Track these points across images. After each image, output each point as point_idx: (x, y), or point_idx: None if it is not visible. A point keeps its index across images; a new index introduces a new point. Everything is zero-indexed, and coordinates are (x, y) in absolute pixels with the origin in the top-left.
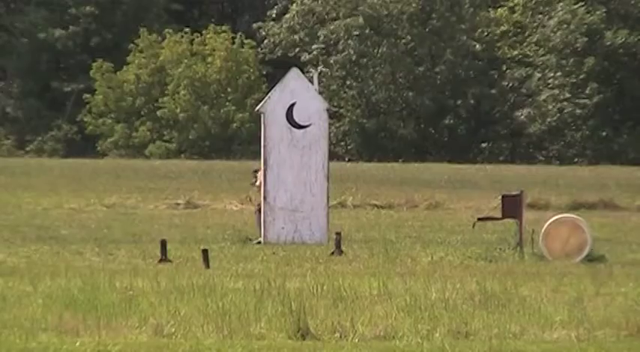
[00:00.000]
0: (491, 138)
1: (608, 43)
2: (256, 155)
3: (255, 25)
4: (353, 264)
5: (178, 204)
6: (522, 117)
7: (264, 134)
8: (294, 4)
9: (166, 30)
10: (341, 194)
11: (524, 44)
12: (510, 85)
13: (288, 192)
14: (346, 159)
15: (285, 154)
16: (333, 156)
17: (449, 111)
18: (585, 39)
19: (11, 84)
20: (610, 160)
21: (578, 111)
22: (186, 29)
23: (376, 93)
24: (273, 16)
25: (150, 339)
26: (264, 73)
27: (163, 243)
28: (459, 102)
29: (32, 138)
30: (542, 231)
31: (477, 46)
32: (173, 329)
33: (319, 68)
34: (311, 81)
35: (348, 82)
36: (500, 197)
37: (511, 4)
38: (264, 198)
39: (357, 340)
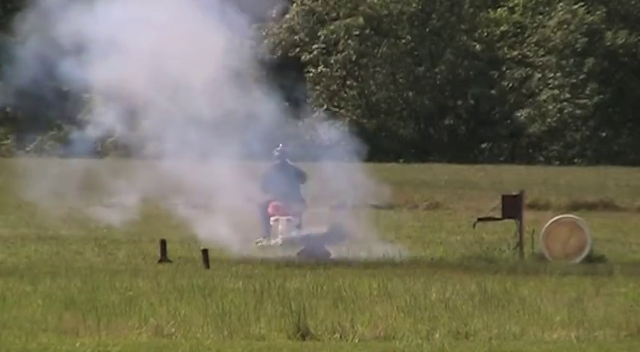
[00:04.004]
0: (491, 138)
1: (608, 44)
2: None
3: (255, 25)
4: (353, 264)
5: (179, 204)
6: (522, 117)
7: None
8: (294, 4)
9: None
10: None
11: (524, 44)
12: (510, 85)
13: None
14: (346, 160)
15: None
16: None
17: (449, 111)
18: (585, 39)
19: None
20: (610, 161)
21: (578, 111)
22: None
23: (376, 93)
24: (273, 15)
25: (150, 339)
26: (264, 73)
27: (163, 243)
28: (459, 102)
29: (32, 138)
30: (543, 231)
31: (477, 46)
32: (173, 330)
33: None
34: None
35: (348, 82)
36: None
37: (511, 5)
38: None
39: (357, 340)
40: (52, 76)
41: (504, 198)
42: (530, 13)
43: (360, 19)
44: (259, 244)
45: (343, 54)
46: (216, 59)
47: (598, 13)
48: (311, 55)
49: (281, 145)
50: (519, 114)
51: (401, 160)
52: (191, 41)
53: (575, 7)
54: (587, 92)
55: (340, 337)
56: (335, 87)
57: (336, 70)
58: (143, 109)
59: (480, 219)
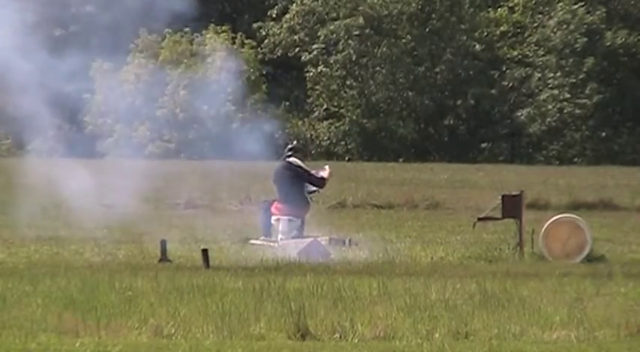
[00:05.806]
0: (491, 138)
1: (608, 43)
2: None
3: (255, 25)
4: (353, 264)
5: (178, 204)
6: (522, 117)
7: None
8: (294, 4)
9: (166, 30)
10: (341, 194)
11: (524, 44)
12: (510, 84)
13: None
14: (346, 159)
15: None
16: (333, 155)
17: (449, 111)
18: (585, 39)
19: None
20: (610, 160)
21: (577, 111)
22: (186, 29)
23: (376, 93)
24: (273, 16)
25: (150, 340)
26: (264, 73)
27: (163, 243)
28: (459, 102)
29: (32, 138)
30: (542, 231)
31: (477, 46)
32: (173, 330)
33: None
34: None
35: (348, 82)
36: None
37: (511, 4)
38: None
39: (357, 340)
40: None
41: (504, 198)
42: (530, 13)
43: (360, 19)
44: (253, 244)
45: (343, 54)
46: None
47: (598, 13)
48: (311, 55)
49: (295, 142)
50: (519, 114)
51: (401, 160)
52: None
53: (575, 7)
54: (586, 92)
55: (340, 337)
56: (335, 87)
57: (336, 70)
58: None
59: (479, 219)
